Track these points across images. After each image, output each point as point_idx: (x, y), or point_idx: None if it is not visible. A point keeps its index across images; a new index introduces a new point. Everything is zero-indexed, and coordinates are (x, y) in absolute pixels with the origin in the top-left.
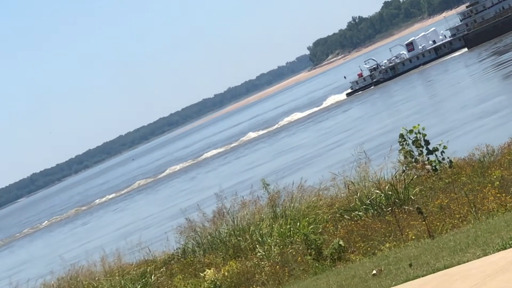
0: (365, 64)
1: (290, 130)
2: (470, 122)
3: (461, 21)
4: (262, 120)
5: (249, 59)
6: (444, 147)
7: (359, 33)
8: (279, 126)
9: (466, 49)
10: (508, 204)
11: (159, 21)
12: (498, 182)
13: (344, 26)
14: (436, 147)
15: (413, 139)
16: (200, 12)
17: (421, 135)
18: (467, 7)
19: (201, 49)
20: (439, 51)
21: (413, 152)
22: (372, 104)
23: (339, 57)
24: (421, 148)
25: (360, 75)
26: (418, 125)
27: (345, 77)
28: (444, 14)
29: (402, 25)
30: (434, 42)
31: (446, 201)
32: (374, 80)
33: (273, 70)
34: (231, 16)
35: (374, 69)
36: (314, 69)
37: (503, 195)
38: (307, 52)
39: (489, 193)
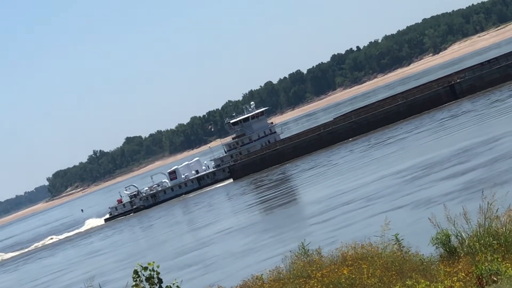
0: (126, 190)
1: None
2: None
3: (226, 152)
4: None
5: None
6: (178, 286)
7: (99, 167)
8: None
9: (231, 180)
10: None
11: None
12: None
13: (85, 159)
14: (170, 286)
15: (147, 276)
16: None
17: (155, 273)
18: (233, 138)
19: None
20: (202, 181)
21: None
22: (119, 233)
23: (78, 189)
24: (154, 286)
25: (120, 201)
26: (153, 262)
27: (82, 210)
28: (185, 153)
29: (143, 161)
30: (197, 172)
31: None
32: (134, 206)
33: (10, 199)
34: None
35: (135, 195)
36: (52, 201)
37: None
38: (47, 183)
39: None
